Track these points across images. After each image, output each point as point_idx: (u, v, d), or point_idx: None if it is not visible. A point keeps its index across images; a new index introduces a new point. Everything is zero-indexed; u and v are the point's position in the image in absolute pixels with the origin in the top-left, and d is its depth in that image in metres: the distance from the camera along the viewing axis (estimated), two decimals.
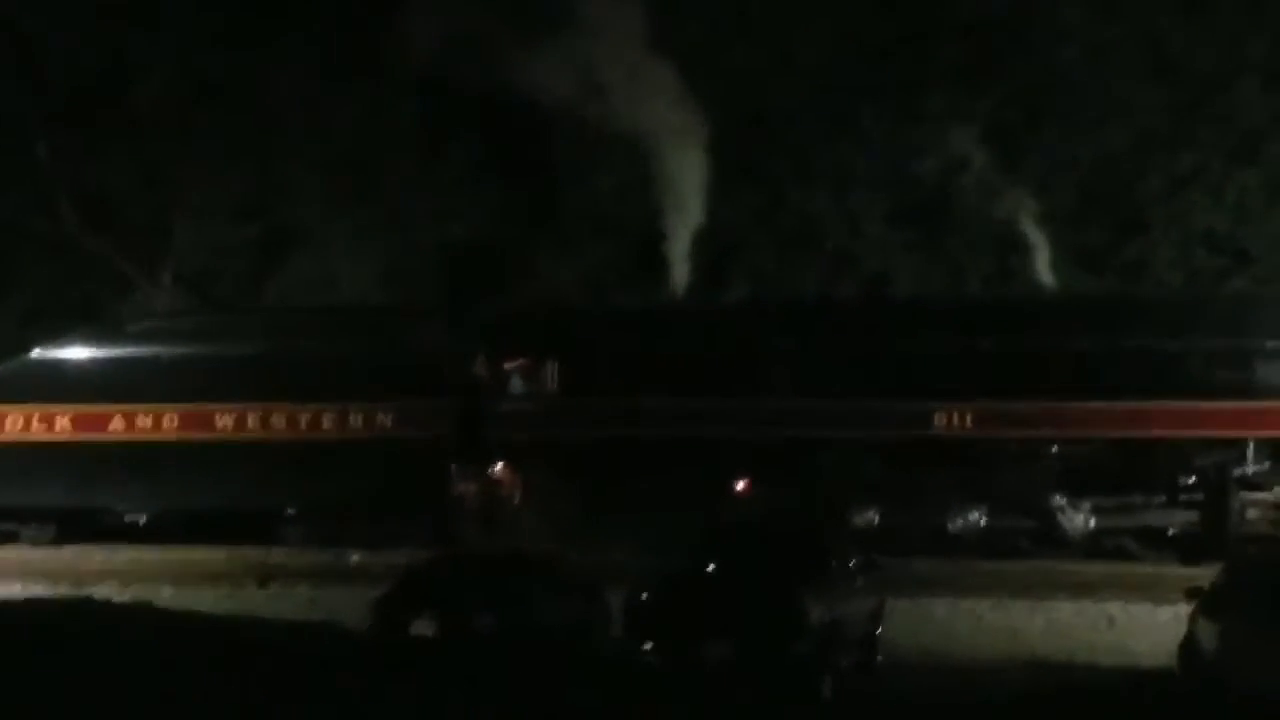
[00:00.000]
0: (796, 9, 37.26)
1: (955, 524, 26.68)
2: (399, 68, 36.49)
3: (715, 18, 36.11)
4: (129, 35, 36.89)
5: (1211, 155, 35.16)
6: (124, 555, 27.53)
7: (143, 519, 29.39)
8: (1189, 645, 16.49)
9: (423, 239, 38.10)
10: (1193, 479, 26.31)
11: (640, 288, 35.75)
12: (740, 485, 26.96)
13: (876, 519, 26.60)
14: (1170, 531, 26.45)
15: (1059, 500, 26.49)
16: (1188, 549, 25.54)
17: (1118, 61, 35.91)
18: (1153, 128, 35.63)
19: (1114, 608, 22.31)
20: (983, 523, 26.74)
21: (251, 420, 28.44)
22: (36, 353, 29.69)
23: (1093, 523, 26.45)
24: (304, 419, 28.32)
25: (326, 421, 28.28)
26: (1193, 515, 26.25)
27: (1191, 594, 17.12)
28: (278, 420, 28.38)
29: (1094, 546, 26.45)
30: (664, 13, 32.66)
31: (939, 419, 26.61)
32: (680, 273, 31.95)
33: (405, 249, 37.99)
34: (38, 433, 28.89)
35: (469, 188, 38.29)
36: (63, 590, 24.44)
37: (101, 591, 24.35)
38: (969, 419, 26.53)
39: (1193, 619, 16.63)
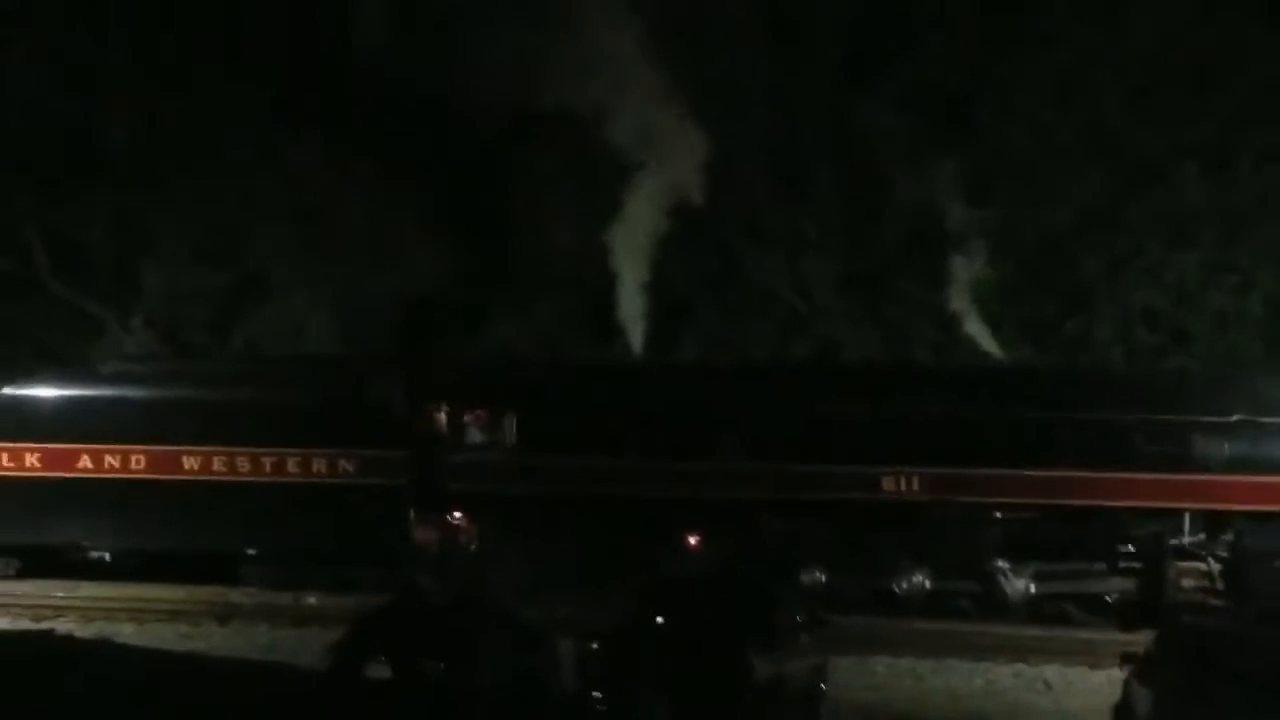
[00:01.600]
0: (752, 73, 37.90)
1: (900, 585, 27.19)
2: (363, 119, 36.99)
3: (674, 78, 36.64)
4: (101, 85, 37.35)
5: (1151, 237, 35.95)
6: (85, 591, 27.75)
7: (107, 556, 29.56)
8: (1123, 709, 16.76)
9: (383, 291, 38.44)
10: (1130, 547, 26.78)
11: (592, 345, 36.24)
12: (691, 542, 27.39)
13: (823, 578, 27.04)
14: (1108, 598, 26.93)
15: (1001, 564, 26.99)
16: (1124, 615, 26.10)
17: (1063, 143, 36.79)
18: (1095, 208, 36.46)
19: (1051, 671, 22.87)
20: (926, 584, 27.29)
21: (217, 463, 28.79)
22: (7, 390, 29.86)
23: (1033, 588, 26.93)
24: (268, 463, 28.69)
25: (290, 466, 28.66)
26: (1129, 583, 26.70)
27: (1126, 659, 17.41)
28: (242, 464, 28.72)
29: (1034, 611, 26.88)
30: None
31: (886, 482, 27.22)
32: (632, 332, 32.44)
33: (367, 300, 38.33)
34: (6, 468, 29.15)
35: (431, 241, 38.69)
36: (24, 624, 24.75)
37: (63, 627, 24.67)
38: (915, 483, 27.14)
39: (1127, 684, 16.88)
